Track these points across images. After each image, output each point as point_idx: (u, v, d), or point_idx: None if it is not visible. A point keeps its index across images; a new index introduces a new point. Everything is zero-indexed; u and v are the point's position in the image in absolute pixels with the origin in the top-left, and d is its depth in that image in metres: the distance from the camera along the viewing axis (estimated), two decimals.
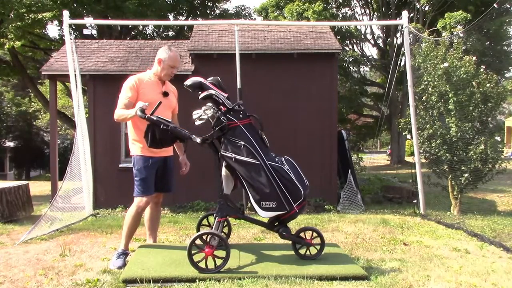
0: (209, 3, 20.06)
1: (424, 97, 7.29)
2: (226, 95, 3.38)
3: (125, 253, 3.66)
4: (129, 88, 3.62)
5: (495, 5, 10.22)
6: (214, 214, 3.40)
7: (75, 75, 6.46)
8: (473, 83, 6.93)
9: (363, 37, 21.87)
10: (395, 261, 3.78)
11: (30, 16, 12.25)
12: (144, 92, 3.62)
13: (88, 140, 6.69)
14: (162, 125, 3.26)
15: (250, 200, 3.31)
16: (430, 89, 7.16)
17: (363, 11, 23.01)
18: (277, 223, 3.44)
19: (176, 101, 3.95)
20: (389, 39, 21.51)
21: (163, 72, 3.71)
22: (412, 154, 9.19)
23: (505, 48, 19.39)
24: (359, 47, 22.36)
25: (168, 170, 3.80)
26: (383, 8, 20.86)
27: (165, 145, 3.49)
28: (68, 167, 6.10)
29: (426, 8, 18.98)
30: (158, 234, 4.73)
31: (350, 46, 21.83)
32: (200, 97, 3.37)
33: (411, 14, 19.26)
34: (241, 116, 3.35)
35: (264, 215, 3.30)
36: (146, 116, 3.27)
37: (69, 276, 3.31)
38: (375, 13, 22.27)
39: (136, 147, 3.67)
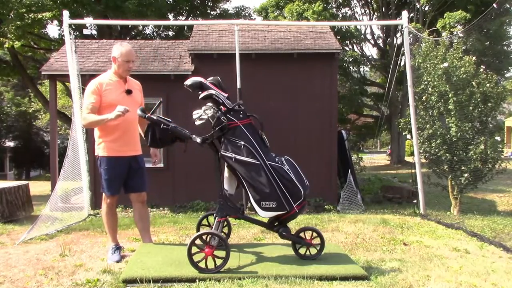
0: (209, 3, 20.05)
1: (424, 97, 7.29)
2: (226, 95, 3.38)
3: (117, 247, 3.78)
4: (91, 93, 3.66)
5: (494, 5, 10.21)
6: (214, 214, 3.40)
7: (75, 75, 6.46)
8: (473, 83, 6.93)
9: (363, 37, 21.86)
10: (395, 261, 3.78)
11: (30, 16, 12.26)
12: (107, 94, 3.67)
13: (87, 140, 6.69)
14: (162, 125, 3.27)
15: (250, 200, 3.31)
16: (430, 89, 7.16)
17: (363, 11, 23.04)
18: (277, 223, 3.45)
19: (141, 96, 4.00)
20: (389, 39, 21.50)
21: (120, 69, 3.75)
22: (412, 154, 9.17)
23: (505, 48, 19.36)
24: (359, 47, 22.35)
25: (137, 169, 3.83)
26: (383, 8, 20.86)
27: (165, 145, 3.55)
28: (61, 169, 6.11)
29: (426, 8, 18.98)
30: (158, 234, 4.74)
31: (350, 46, 21.82)
32: (200, 97, 3.37)
33: (411, 14, 19.26)
34: (241, 116, 3.35)
35: (264, 215, 3.31)
36: (147, 116, 3.28)
37: (69, 276, 3.31)
38: (375, 13, 22.28)
39: (101, 147, 3.73)
